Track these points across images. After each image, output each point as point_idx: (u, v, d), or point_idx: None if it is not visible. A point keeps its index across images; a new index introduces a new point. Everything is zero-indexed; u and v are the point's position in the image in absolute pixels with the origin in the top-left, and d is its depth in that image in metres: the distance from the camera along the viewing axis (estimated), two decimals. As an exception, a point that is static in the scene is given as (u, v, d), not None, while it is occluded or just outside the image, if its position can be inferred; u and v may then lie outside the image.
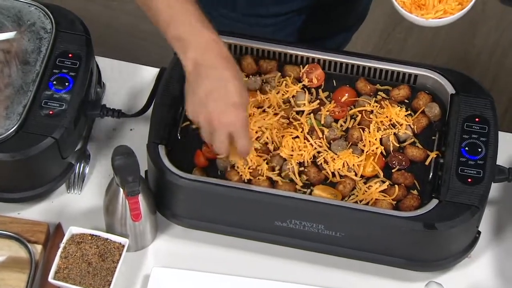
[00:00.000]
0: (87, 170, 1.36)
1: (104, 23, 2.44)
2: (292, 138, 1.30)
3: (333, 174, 1.28)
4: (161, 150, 1.26)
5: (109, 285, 1.23)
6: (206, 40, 1.15)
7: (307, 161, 1.28)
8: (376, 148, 1.29)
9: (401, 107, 1.33)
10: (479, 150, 1.25)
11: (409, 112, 1.33)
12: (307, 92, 1.35)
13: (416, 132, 1.32)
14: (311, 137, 1.30)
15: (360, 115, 1.33)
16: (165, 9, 1.15)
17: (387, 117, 1.31)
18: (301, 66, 1.37)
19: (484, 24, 2.49)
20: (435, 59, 2.43)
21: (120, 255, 1.25)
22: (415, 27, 2.51)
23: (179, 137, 1.32)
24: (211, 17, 1.43)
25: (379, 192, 1.26)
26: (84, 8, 2.45)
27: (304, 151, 1.29)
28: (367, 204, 1.25)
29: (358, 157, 1.28)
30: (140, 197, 1.22)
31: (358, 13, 1.62)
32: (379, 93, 1.36)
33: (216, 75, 1.13)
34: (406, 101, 1.35)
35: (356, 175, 1.27)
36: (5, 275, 1.25)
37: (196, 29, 1.15)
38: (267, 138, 1.29)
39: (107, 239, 1.27)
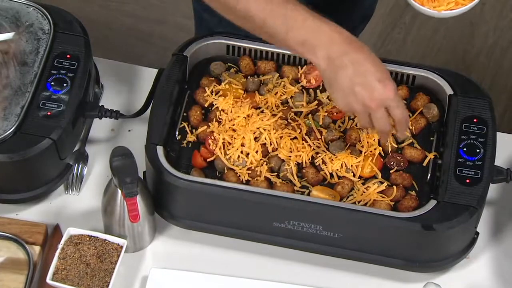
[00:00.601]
0: (85, 171, 1.36)
1: (102, 24, 2.44)
2: (290, 139, 1.30)
3: (331, 175, 1.28)
4: (159, 151, 1.26)
5: (107, 286, 1.23)
6: (328, 35, 1.14)
7: (305, 162, 1.28)
8: (374, 149, 1.29)
9: (399, 108, 1.33)
10: (477, 150, 1.25)
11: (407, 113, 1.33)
12: (305, 93, 1.35)
13: (414, 133, 1.32)
14: (309, 138, 1.30)
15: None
16: (274, 18, 1.14)
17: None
18: (299, 67, 1.37)
19: (483, 24, 2.49)
20: (434, 60, 2.43)
21: (118, 256, 1.25)
22: (415, 27, 2.51)
23: (178, 138, 1.32)
24: (212, 16, 1.42)
25: (377, 193, 1.26)
26: (82, 9, 2.46)
27: (302, 152, 1.29)
28: (365, 205, 1.25)
29: (356, 158, 1.28)
30: (138, 198, 1.22)
31: (363, 12, 1.61)
32: (378, 94, 1.36)
33: (350, 60, 1.13)
34: (405, 102, 1.35)
35: (354, 176, 1.27)
36: (3, 276, 1.25)
37: (313, 27, 1.14)
38: (265, 139, 1.29)
39: (105, 240, 1.27)
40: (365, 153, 1.28)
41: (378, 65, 1.15)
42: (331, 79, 1.16)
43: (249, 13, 1.14)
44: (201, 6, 1.51)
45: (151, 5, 2.49)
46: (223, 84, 1.35)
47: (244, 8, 1.14)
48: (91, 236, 1.27)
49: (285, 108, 1.33)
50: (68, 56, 1.33)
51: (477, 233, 1.28)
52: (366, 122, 1.18)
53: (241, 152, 1.28)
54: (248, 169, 1.27)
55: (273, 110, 1.33)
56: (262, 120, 1.31)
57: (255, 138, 1.29)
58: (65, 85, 1.30)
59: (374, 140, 1.30)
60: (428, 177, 1.28)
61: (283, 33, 1.14)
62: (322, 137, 1.30)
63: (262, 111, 1.33)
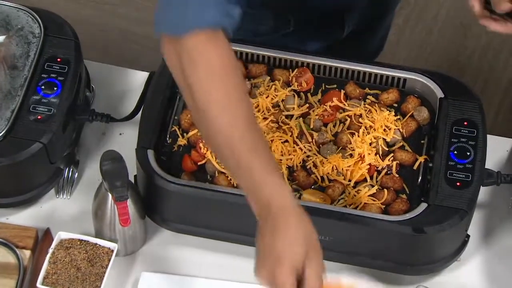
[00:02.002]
0: (76, 175, 1.36)
1: (96, 26, 2.44)
2: (282, 142, 1.30)
3: (322, 178, 1.28)
4: (150, 154, 1.26)
5: (98, 290, 1.23)
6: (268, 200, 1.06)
7: (296, 165, 1.28)
8: (365, 152, 1.29)
9: (390, 111, 1.33)
10: (468, 153, 1.25)
11: (398, 116, 1.33)
12: (296, 96, 1.35)
13: (405, 136, 1.32)
14: (300, 141, 1.30)
15: (349, 119, 1.33)
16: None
17: (376, 121, 1.31)
18: (290, 70, 1.37)
19: (475, 26, 2.49)
20: (427, 61, 2.43)
21: (109, 260, 1.25)
22: (407, 29, 2.51)
23: (168, 142, 1.31)
24: None
25: (368, 196, 1.26)
26: (76, 11, 2.45)
27: (294, 155, 1.29)
28: (356, 208, 1.25)
29: (347, 161, 1.28)
30: (129, 202, 1.22)
31: (374, 46, 1.60)
32: (368, 97, 1.36)
33: (270, 230, 1.05)
34: (395, 105, 1.35)
35: (345, 179, 1.27)
36: (-6, 281, 1.25)
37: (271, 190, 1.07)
38: (256, 142, 1.29)
39: (96, 244, 1.27)
40: (357, 158, 1.28)
41: (289, 245, 1.03)
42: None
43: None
44: None
45: (144, 8, 2.49)
46: (214, 87, 1.35)
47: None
48: (82, 240, 1.27)
49: (276, 111, 1.33)
50: (58, 59, 1.33)
51: (468, 236, 1.28)
52: None
53: (232, 155, 1.28)
54: (239, 172, 1.27)
55: (264, 113, 1.32)
56: (253, 123, 1.31)
57: (246, 142, 1.29)
58: (55, 88, 1.30)
59: (364, 143, 1.30)
60: (419, 180, 1.28)
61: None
62: (313, 140, 1.30)
63: (253, 115, 1.33)
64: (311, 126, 1.32)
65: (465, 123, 1.28)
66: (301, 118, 1.32)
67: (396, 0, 1.56)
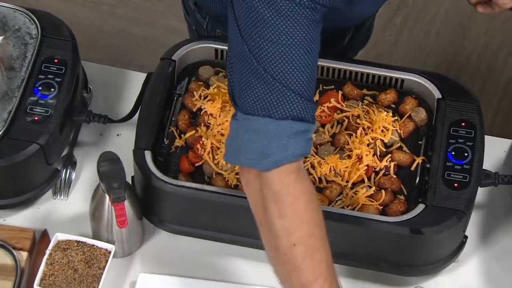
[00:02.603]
0: (73, 176, 1.36)
1: (94, 27, 2.44)
2: (279, 143, 1.29)
3: (320, 179, 1.28)
4: (147, 155, 1.26)
5: (95, 291, 1.23)
6: None
7: (294, 166, 1.28)
8: (363, 152, 1.29)
9: (388, 112, 1.33)
10: (465, 154, 1.25)
11: (396, 117, 1.33)
12: (294, 97, 1.34)
13: (402, 136, 1.32)
14: (297, 142, 1.30)
15: (347, 120, 1.32)
16: None
17: (373, 121, 1.31)
18: (288, 70, 1.37)
19: (474, 26, 2.49)
20: (425, 62, 2.43)
21: (107, 261, 1.25)
22: (405, 29, 2.51)
23: (166, 143, 1.31)
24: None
25: (366, 197, 1.25)
26: (73, 12, 2.45)
27: (291, 156, 1.28)
28: (353, 209, 1.25)
29: (345, 162, 1.28)
30: (126, 203, 1.22)
31: (362, 40, 1.60)
32: (366, 97, 1.36)
33: None
34: (393, 105, 1.35)
35: (342, 180, 1.27)
36: (-9, 282, 1.25)
37: None
38: (254, 143, 1.29)
39: (93, 245, 1.26)
40: (354, 159, 1.28)
41: None
42: None
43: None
44: (193, 20, 1.50)
45: (142, 8, 2.49)
46: (211, 88, 1.35)
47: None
48: (79, 241, 1.27)
49: (274, 112, 1.33)
50: (55, 60, 1.32)
51: (466, 237, 1.28)
52: None
53: (230, 156, 1.28)
54: (236, 173, 1.27)
55: (262, 114, 1.32)
56: (251, 124, 1.31)
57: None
58: (52, 90, 1.30)
59: (362, 144, 1.30)
60: (417, 181, 1.28)
61: None
62: (311, 141, 1.30)
63: (250, 115, 1.32)
64: (309, 127, 1.32)
65: (463, 124, 1.28)
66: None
67: None
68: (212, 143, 1.29)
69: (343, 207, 1.25)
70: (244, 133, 1.06)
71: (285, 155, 1.04)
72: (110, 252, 1.26)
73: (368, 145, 1.30)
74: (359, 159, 1.28)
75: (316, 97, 1.35)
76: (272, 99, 1.03)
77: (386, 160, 1.29)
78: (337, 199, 1.26)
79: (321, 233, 1.06)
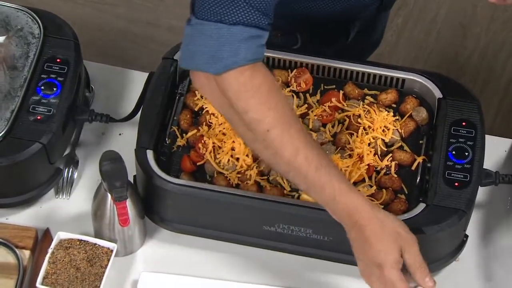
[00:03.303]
0: (75, 175, 1.36)
1: (95, 27, 2.44)
2: (280, 142, 1.30)
3: (321, 179, 1.28)
4: (149, 155, 1.26)
5: (97, 290, 1.23)
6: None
7: (295, 166, 1.29)
8: (364, 152, 1.29)
9: (388, 111, 1.33)
10: (466, 154, 1.26)
11: (397, 116, 1.34)
12: (295, 96, 1.35)
13: (403, 136, 1.32)
14: (299, 141, 1.30)
15: (348, 120, 1.33)
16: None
17: (374, 121, 1.32)
18: (289, 70, 1.37)
19: (475, 26, 2.50)
20: (426, 62, 2.44)
21: (109, 260, 1.25)
22: (406, 29, 2.52)
23: (168, 142, 1.32)
24: None
25: (367, 196, 1.26)
26: (75, 12, 2.46)
27: (292, 155, 1.29)
28: (354, 208, 1.25)
29: (346, 162, 1.28)
30: (128, 202, 1.22)
31: (374, 39, 1.61)
32: (367, 97, 1.36)
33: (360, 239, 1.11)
34: (394, 105, 1.35)
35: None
36: (-7, 281, 1.25)
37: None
38: (255, 143, 1.29)
39: (96, 244, 1.27)
40: (355, 158, 1.29)
41: (385, 244, 1.09)
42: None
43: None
44: None
45: (143, 7, 2.49)
46: (213, 87, 1.35)
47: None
48: (81, 240, 1.27)
49: (275, 111, 1.33)
50: (58, 60, 1.33)
51: (466, 236, 1.29)
52: None
53: (231, 156, 1.28)
54: (238, 173, 1.28)
55: (263, 114, 1.33)
56: (252, 123, 1.31)
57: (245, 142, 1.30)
58: (55, 89, 1.30)
59: (363, 143, 1.30)
60: (418, 180, 1.28)
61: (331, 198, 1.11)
62: (312, 140, 1.31)
63: (252, 115, 1.33)
64: (310, 127, 1.32)
65: (464, 123, 1.28)
66: (300, 119, 1.33)
67: None
68: (213, 143, 1.29)
69: (344, 206, 1.25)
70: (198, 37, 1.10)
71: (236, 60, 1.08)
72: (112, 251, 1.26)
73: (369, 144, 1.30)
74: (360, 158, 1.29)
75: (317, 97, 1.36)
76: (224, 6, 1.07)
77: (387, 160, 1.29)
78: (338, 198, 1.27)
79: (289, 110, 1.11)
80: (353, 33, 1.47)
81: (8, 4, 1.37)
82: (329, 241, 1.25)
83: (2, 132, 1.25)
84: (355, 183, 1.28)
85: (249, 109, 1.09)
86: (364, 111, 1.33)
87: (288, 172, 1.12)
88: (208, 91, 1.12)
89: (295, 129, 1.10)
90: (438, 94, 1.33)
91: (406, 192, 1.28)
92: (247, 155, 1.28)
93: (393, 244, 1.10)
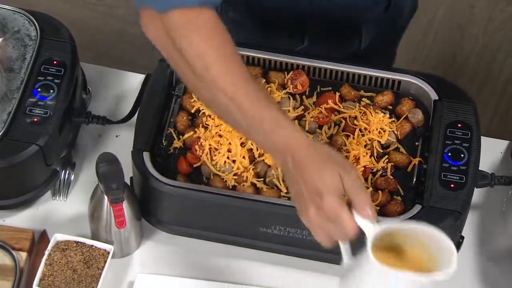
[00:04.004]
0: (72, 177, 1.36)
1: (92, 28, 2.45)
2: (277, 144, 1.30)
3: (317, 180, 1.28)
4: (146, 157, 1.26)
5: (94, 292, 1.23)
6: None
7: (292, 167, 1.29)
8: (360, 154, 1.30)
9: (384, 113, 1.34)
10: (462, 155, 1.26)
11: (393, 118, 1.34)
12: (291, 98, 1.35)
13: (399, 138, 1.33)
14: (295, 143, 1.30)
15: (344, 121, 1.33)
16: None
17: (370, 123, 1.32)
18: (285, 72, 1.37)
19: (472, 27, 2.50)
20: (423, 63, 2.44)
21: (105, 262, 1.26)
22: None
23: (164, 144, 1.32)
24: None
25: (364, 197, 1.26)
26: (72, 13, 2.46)
27: (289, 157, 1.29)
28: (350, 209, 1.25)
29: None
30: (125, 204, 1.22)
31: (390, 55, 1.61)
32: (363, 99, 1.36)
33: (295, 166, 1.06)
34: (390, 107, 1.36)
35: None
36: (-10, 283, 1.26)
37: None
38: (252, 145, 1.30)
39: (92, 246, 1.27)
40: (352, 160, 1.29)
41: (323, 172, 1.04)
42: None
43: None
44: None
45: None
46: (209, 89, 1.36)
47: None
48: (78, 242, 1.27)
49: (272, 113, 1.34)
50: (54, 62, 1.33)
51: (462, 238, 1.29)
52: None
53: (228, 158, 1.29)
54: (234, 174, 1.28)
55: (260, 116, 1.33)
56: (249, 125, 1.31)
57: (241, 144, 1.30)
58: (51, 91, 1.31)
59: (359, 145, 1.30)
60: (413, 182, 1.29)
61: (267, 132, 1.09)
62: (308, 142, 1.31)
63: (248, 117, 1.33)
64: (306, 128, 1.32)
65: (459, 125, 1.29)
66: (296, 121, 1.33)
67: (411, 7, 1.56)
68: (210, 145, 1.29)
69: (340, 208, 1.25)
70: None
71: (183, 1, 1.09)
72: (108, 253, 1.26)
73: (365, 146, 1.30)
74: (356, 160, 1.29)
75: (314, 99, 1.36)
76: None
77: (383, 161, 1.29)
78: (334, 200, 1.27)
79: (231, 49, 1.10)
80: (366, 39, 1.47)
81: (5, 6, 1.38)
82: (326, 243, 1.25)
83: (-1, 134, 1.26)
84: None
85: (190, 46, 1.08)
86: (360, 113, 1.33)
87: (227, 109, 1.09)
88: (152, 29, 1.12)
89: (235, 66, 1.09)
90: (434, 96, 1.33)
91: (402, 194, 1.28)
92: (243, 157, 1.29)
93: (332, 171, 1.04)
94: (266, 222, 1.25)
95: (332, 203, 1.03)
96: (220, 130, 1.31)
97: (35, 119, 1.27)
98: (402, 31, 1.60)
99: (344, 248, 1.07)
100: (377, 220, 1.04)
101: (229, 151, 1.29)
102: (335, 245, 1.06)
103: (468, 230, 1.32)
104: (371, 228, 1.02)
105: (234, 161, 1.28)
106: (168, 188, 1.24)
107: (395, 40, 1.61)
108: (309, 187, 1.04)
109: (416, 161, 1.30)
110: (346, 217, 1.03)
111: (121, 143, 1.40)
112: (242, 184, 1.27)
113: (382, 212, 1.26)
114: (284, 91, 1.36)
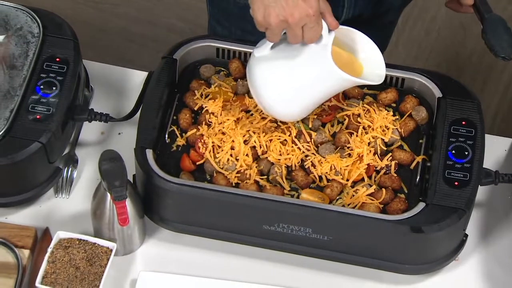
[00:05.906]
0: (75, 175, 1.36)
1: (95, 26, 2.44)
2: (280, 142, 1.30)
3: (321, 178, 1.28)
4: (149, 154, 1.26)
5: (97, 289, 1.23)
6: None
7: (295, 165, 1.29)
8: (364, 151, 1.29)
9: (388, 111, 1.33)
10: (466, 153, 1.26)
11: (396, 116, 1.34)
12: (294, 95, 1.35)
13: (403, 135, 1.32)
14: (298, 140, 1.30)
15: (347, 119, 1.33)
16: None
17: (374, 120, 1.32)
18: (289, 69, 1.37)
19: (475, 26, 2.49)
20: (426, 62, 2.44)
21: (108, 259, 1.25)
22: (406, 29, 2.52)
23: (167, 141, 1.32)
24: (223, 29, 1.39)
25: (366, 195, 1.26)
26: (75, 11, 2.46)
27: (292, 155, 1.29)
28: (354, 207, 1.25)
29: (346, 161, 1.28)
30: (128, 202, 1.22)
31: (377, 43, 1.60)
32: (367, 96, 1.36)
33: None
34: (394, 104, 1.35)
35: (343, 178, 1.28)
36: (-7, 280, 1.25)
37: None
38: (255, 142, 1.29)
39: (95, 243, 1.27)
40: (355, 157, 1.28)
41: None
42: None
43: None
44: (215, 20, 1.51)
45: (144, 7, 2.49)
46: (212, 87, 1.36)
47: None
48: (81, 239, 1.27)
49: (275, 111, 1.33)
50: (57, 59, 1.33)
51: (466, 235, 1.29)
52: (274, 37, 1.15)
53: (231, 155, 1.28)
54: (237, 172, 1.28)
55: (263, 113, 1.33)
56: (252, 123, 1.31)
57: (244, 141, 1.30)
58: (54, 88, 1.30)
59: (363, 143, 1.30)
60: (417, 179, 1.28)
61: None
62: (312, 140, 1.31)
63: (251, 114, 1.33)
64: (310, 126, 1.32)
65: (463, 122, 1.28)
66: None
67: None
68: (213, 142, 1.29)
69: (343, 206, 1.25)
70: None
71: None
72: (111, 250, 1.26)
73: (368, 144, 1.30)
74: (360, 158, 1.29)
75: (317, 96, 1.36)
76: None
77: (387, 159, 1.29)
78: (337, 197, 1.27)
79: None
80: (349, 8, 1.44)
81: (8, 3, 1.37)
82: (329, 241, 1.25)
83: (2, 132, 1.25)
84: (355, 182, 1.28)
85: None
86: (364, 110, 1.33)
87: None
88: None
89: None
90: (438, 93, 1.33)
91: (406, 192, 1.28)
92: (246, 155, 1.28)
93: None
94: (269, 219, 1.25)
95: (317, 5, 1.11)
96: (223, 128, 1.31)
97: (38, 116, 1.27)
98: (388, 15, 1.59)
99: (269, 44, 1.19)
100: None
101: (232, 148, 1.29)
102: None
103: (472, 228, 1.32)
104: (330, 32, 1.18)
105: (237, 159, 1.28)
106: (171, 185, 1.24)
107: (381, 23, 1.59)
108: None
109: (420, 158, 1.29)
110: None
111: (124, 140, 1.39)
112: (245, 182, 1.27)
113: (386, 210, 1.25)
114: (288, 88, 1.35)
